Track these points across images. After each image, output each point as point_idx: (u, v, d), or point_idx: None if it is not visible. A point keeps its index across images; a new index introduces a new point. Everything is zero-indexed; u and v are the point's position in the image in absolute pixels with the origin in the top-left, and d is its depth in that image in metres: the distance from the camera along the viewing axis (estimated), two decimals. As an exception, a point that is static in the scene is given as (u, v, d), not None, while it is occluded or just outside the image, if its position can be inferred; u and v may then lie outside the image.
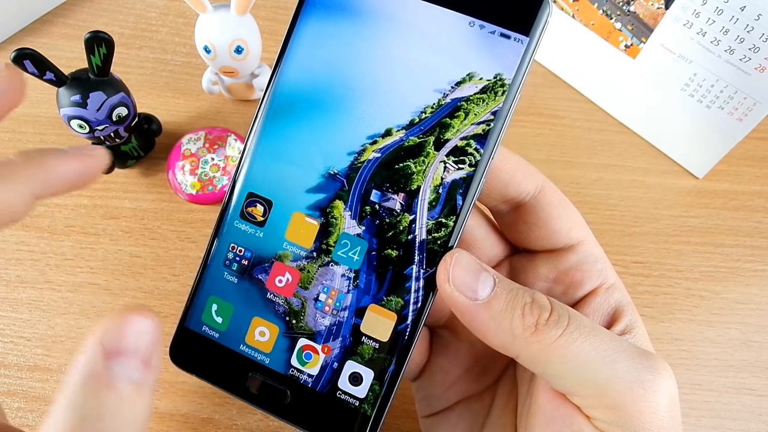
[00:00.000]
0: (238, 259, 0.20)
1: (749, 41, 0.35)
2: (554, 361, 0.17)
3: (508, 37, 0.18)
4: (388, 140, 0.19)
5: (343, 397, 0.19)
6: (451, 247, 0.19)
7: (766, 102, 0.36)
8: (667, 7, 0.38)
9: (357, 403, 0.19)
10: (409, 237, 0.19)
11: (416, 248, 0.19)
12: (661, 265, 0.37)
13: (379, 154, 0.19)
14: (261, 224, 0.20)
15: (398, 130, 0.19)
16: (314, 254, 0.20)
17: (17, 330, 0.32)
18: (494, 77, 0.19)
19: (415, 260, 0.19)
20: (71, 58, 0.43)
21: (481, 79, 0.19)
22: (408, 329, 0.19)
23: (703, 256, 0.38)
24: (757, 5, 0.34)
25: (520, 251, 0.24)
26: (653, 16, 0.39)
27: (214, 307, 0.20)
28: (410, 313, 0.19)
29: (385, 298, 0.19)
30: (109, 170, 0.37)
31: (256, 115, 0.20)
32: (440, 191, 0.19)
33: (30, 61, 0.30)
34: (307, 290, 0.20)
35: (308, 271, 0.20)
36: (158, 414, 0.30)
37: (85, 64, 0.32)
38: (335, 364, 0.19)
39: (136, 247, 0.36)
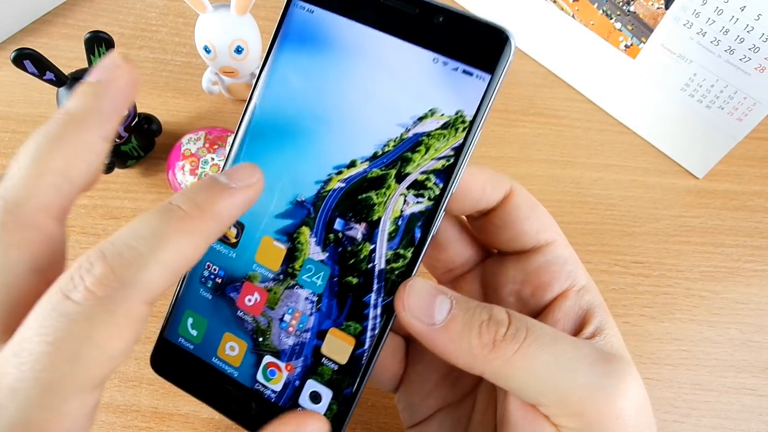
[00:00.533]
0: (212, 277, 0.21)
1: (749, 41, 0.35)
2: (516, 375, 0.17)
3: (471, 74, 0.19)
4: (353, 171, 0.20)
5: None
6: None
7: (766, 102, 0.36)
8: (667, 7, 0.38)
9: None
10: (369, 266, 0.20)
11: (375, 277, 0.20)
12: (661, 265, 0.37)
13: (343, 184, 0.20)
14: (234, 246, 0.21)
15: (362, 162, 0.20)
16: (281, 277, 0.21)
17: (17, 330, 0.32)
18: (455, 113, 0.19)
19: (374, 288, 0.20)
20: (71, 58, 0.43)
21: (442, 115, 0.19)
22: (365, 354, 0.20)
23: (703, 256, 0.38)
24: (757, 5, 0.34)
25: (494, 253, 0.24)
26: (653, 16, 0.39)
27: (190, 320, 0.22)
28: (368, 339, 0.20)
29: (344, 323, 0.20)
30: (109, 170, 0.37)
31: (233, 139, 0.21)
32: (399, 223, 0.20)
33: (30, 61, 0.30)
34: (273, 310, 0.21)
35: (275, 293, 0.21)
36: (158, 414, 0.30)
37: (85, 64, 0.32)
38: (297, 382, 0.20)
39: (136, 247, 0.36)
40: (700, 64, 0.38)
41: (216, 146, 0.38)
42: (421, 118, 0.19)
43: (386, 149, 0.20)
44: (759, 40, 0.35)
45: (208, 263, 0.21)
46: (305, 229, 0.20)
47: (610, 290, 0.36)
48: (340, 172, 0.20)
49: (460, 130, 0.19)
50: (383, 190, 0.20)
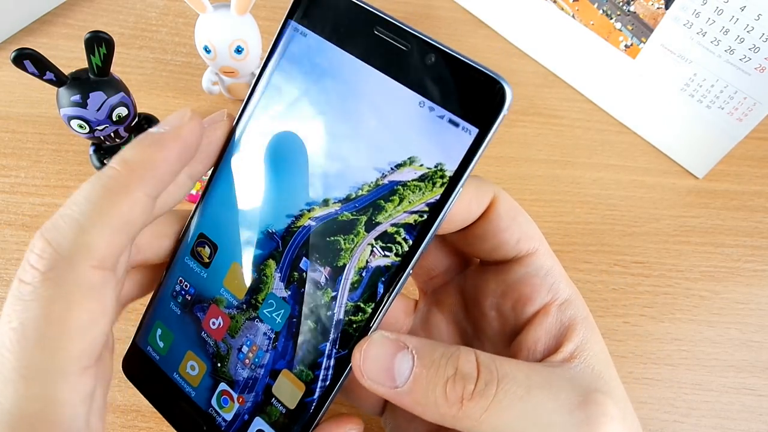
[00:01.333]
0: (183, 293, 0.21)
1: (749, 41, 0.35)
2: (491, 430, 0.16)
3: (457, 125, 0.16)
4: (325, 210, 0.19)
5: None
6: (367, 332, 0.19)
7: (766, 102, 0.36)
8: (667, 7, 0.38)
9: None
10: (328, 313, 0.19)
11: (333, 326, 0.19)
12: (661, 265, 0.37)
13: (314, 223, 0.19)
14: (206, 266, 0.21)
15: (335, 203, 0.18)
16: (244, 306, 0.20)
17: (17, 330, 0.32)
18: (435, 166, 0.17)
19: (330, 338, 0.19)
20: (71, 58, 0.43)
21: (421, 165, 0.17)
22: (314, 403, 0.19)
23: (703, 256, 0.38)
24: (757, 5, 0.34)
25: (475, 262, 0.23)
26: (653, 16, 0.39)
27: (159, 331, 0.22)
28: (318, 389, 0.19)
29: (297, 367, 0.19)
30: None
31: (219, 157, 0.21)
32: (363, 275, 0.18)
33: (30, 61, 0.30)
34: (233, 339, 0.20)
35: (237, 321, 0.20)
36: (159, 414, 0.30)
37: (85, 64, 0.32)
38: (246, 416, 0.20)
39: (136, 247, 0.36)
40: (700, 64, 0.38)
41: (216, 146, 0.38)
42: (399, 165, 0.17)
43: (360, 193, 0.18)
44: (759, 40, 0.35)
45: (180, 278, 0.21)
46: (272, 263, 0.20)
47: (610, 290, 0.36)
48: (312, 209, 0.19)
49: (438, 185, 0.17)
50: (351, 236, 0.18)
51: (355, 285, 0.18)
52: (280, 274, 0.20)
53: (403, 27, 0.17)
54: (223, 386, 0.21)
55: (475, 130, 0.16)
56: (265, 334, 0.20)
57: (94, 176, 0.16)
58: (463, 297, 0.23)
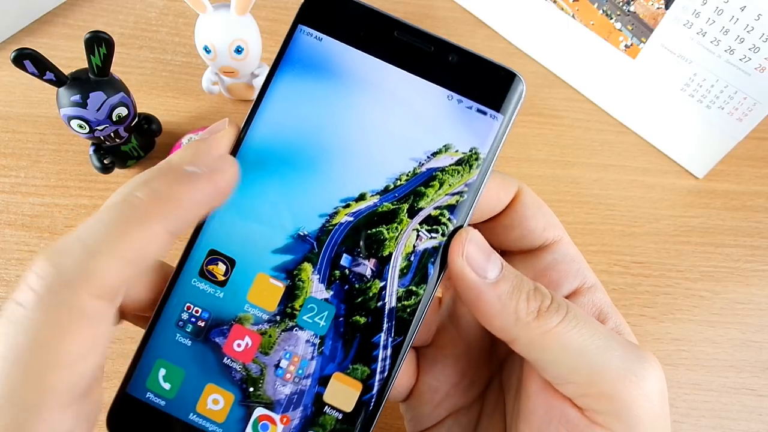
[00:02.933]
0: (193, 320, 0.19)
1: (749, 41, 0.35)
2: (552, 347, 0.18)
3: (485, 113, 0.19)
4: (362, 204, 0.19)
5: None
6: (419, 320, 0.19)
7: (766, 102, 0.36)
8: (667, 7, 0.38)
9: None
10: (379, 304, 0.19)
11: (385, 316, 0.19)
12: (661, 265, 0.37)
13: (351, 218, 0.19)
14: (222, 284, 0.19)
15: (372, 195, 0.19)
16: (277, 318, 0.19)
17: (17, 330, 0.32)
18: (470, 150, 0.19)
19: (384, 328, 0.19)
20: (71, 58, 0.43)
21: (456, 151, 0.19)
22: (373, 399, 0.19)
23: (703, 256, 0.38)
24: (757, 5, 0.34)
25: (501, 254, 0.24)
26: (653, 16, 0.39)
27: (162, 371, 0.19)
28: (376, 383, 0.18)
29: (350, 367, 0.19)
30: (109, 170, 0.37)
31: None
32: (412, 259, 0.19)
33: (30, 61, 0.30)
34: (267, 356, 0.19)
35: (270, 336, 0.19)
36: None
37: (85, 64, 0.32)
38: None
39: (136, 247, 0.36)
40: (700, 64, 0.38)
41: (216, 146, 0.38)
42: (435, 153, 0.19)
43: (398, 183, 0.19)
44: (759, 40, 0.35)
45: (188, 304, 0.19)
46: (307, 266, 0.19)
47: (610, 290, 0.36)
48: (347, 205, 0.19)
49: (474, 167, 0.19)
50: (395, 225, 0.19)
51: (405, 271, 0.19)
52: (318, 276, 0.19)
53: (424, 31, 0.19)
54: (260, 411, 0.18)
55: (500, 116, 0.19)
56: (307, 341, 0.19)
57: (116, 202, 0.15)
58: None
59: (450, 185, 0.19)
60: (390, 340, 0.19)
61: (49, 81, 0.31)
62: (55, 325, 0.14)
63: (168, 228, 0.16)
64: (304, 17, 0.20)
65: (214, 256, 0.19)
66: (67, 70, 0.32)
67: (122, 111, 0.34)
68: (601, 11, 0.41)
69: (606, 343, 0.18)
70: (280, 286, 0.19)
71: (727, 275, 0.37)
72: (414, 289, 0.19)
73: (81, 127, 0.33)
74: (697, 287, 0.36)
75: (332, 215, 0.19)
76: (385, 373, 0.19)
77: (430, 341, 0.24)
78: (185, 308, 0.19)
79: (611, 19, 0.41)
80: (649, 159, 0.42)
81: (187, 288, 0.19)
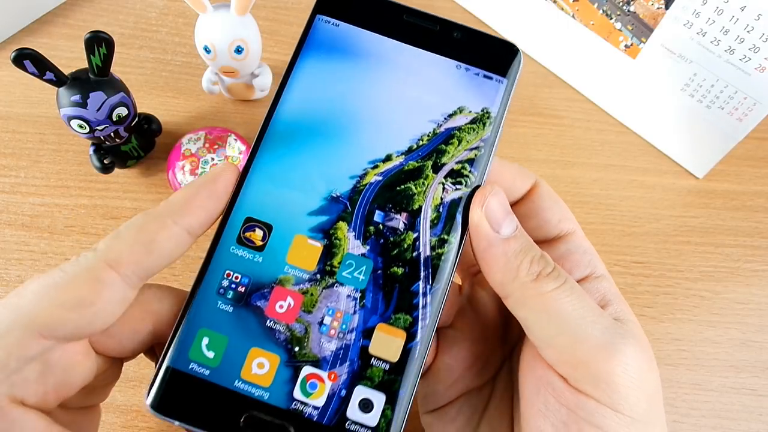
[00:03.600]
0: (233, 286, 0.19)
1: (749, 41, 0.35)
2: (541, 309, 0.19)
3: (490, 78, 0.21)
4: (389, 164, 0.20)
5: (353, 428, 0.18)
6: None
7: (766, 102, 0.36)
8: (667, 7, 0.38)
9: None
10: (414, 254, 0.20)
11: (422, 264, 0.20)
12: (661, 265, 0.37)
13: (380, 178, 0.20)
14: (260, 249, 0.20)
15: (398, 156, 0.21)
16: (318, 276, 0.19)
17: (17, 330, 0.32)
18: (481, 110, 0.21)
19: (422, 276, 0.19)
20: (71, 58, 0.43)
21: (470, 111, 0.21)
22: (418, 347, 0.19)
23: (703, 256, 0.38)
24: (757, 5, 0.34)
25: None
26: (653, 16, 0.39)
27: (205, 340, 0.19)
28: (419, 330, 0.19)
29: (393, 317, 0.19)
30: (109, 170, 0.37)
31: (254, 142, 0.20)
32: (441, 210, 0.20)
33: (30, 61, 0.30)
34: (310, 314, 0.19)
35: (311, 294, 0.19)
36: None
37: (85, 64, 0.32)
38: (343, 392, 0.18)
39: (136, 247, 0.36)
40: (700, 64, 0.38)
41: (216, 146, 0.38)
42: (450, 115, 0.21)
43: (420, 143, 0.21)
44: (759, 40, 0.35)
45: (228, 271, 0.19)
46: (342, 225, 0.20)
47: (610, 290, 0.36)
48: (375, 167, 0.20)
49: (487, 124, 0.21)
50: (421, 180, 0.20)
51: (435, 221, 0.20)
52: (354, 233, 0.20)
53: (429, 14, 0.22)
54: (307, 370, 0.18)
55: (504, 80, 0.22)
56: (349, 296, 0.19)
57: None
58: None
59: (468, 141, 0.21)
60: (428, 287, 0.19)
61: (49, 81, 0.31)
62: (70, 275, 0.17)
63: (176, 220, 0.19)
64: (321, 7, 0.22)
65: (251, 223, 0.20)
66: (67, 70, 0.32)
67: (122, 111, 0.34)
68: (601, 11, 0.41)
69: (593, 317, 0.19)
70: (318, 245, 0.20)
71: (727, 275, 0.37)
72: (446, 237, 0.20)
73: (81, 127, 0.33)
74: (697, 287, 0.36)
75: (362, 176, 0.20)
76: (427, 320, 0.19)
77: (450, 323, 0.25)
78: (225, 275, 0.19)
79: (611, 19, 0.41)
80: (649, 159, 0.42)
81: (225, 255, 0.20)
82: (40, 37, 0.45)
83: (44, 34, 0.45)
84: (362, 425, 0.18)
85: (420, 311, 0.19)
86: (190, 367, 0.18)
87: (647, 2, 0.39)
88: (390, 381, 0.18)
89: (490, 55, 0.22)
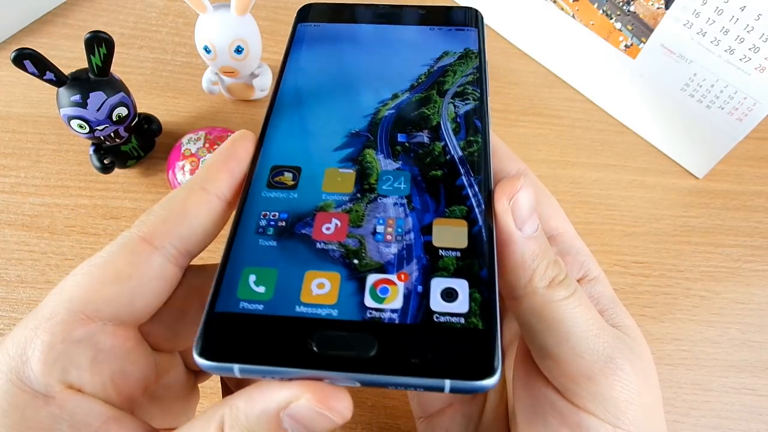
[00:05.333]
0: (273, 223, 0.19)
1: (749, 41, 0.35)
2: (548, 318, 0.18)
3: (462, 29, 0.25)
4: (397, 100, 0.22)
5: (443, 319, 0.16)
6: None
7: (766, 102, 0.36)
8: (667, 7, 0.38)
9: (463, 320, 0.16)
10: (447, 157, 0.20)
11: (458, 163, 0.20)
12: (661, 265, 0.37)
13: (393, 110, 0.22)
14: (293, 187, 0.20)
15: (403, 93, 0.23)
16: (358, 195, 0.19)
17: (17, 330, 0.32)
18: (464, 50, 0.24)
19: (462, 171, 0.20)
20: (71, 58, 0.43)
21: (454, 53, 0.24)
22: (483, 229, 0.18)
23: (703, 256, 0.38)
24: (757, 5, 0.34)
25: None
26: (653, 16, 0.39)
27: (252, 277, 0.17)
28: (478, 215, 0.18)
29: (447, 210, 0.19)
30: (109, 170, 0.37)
31: (266, 110, 0.22)
32: (458, 120, 0.21)
33: (30, 61, 0.30)
34: (360, 227, 0.18)
35: (356, 211, 0.19)
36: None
37: (85, 64, 0.32)
38: (419, 288, 0.17)
39: (136, 247, 0.36)
40: (700, 64, 0.38)
41: (216, 146, 0.38)
42: (439, 58, 0.24)
43: (420, 81, 0.23)
44: (759, 40, 0.35)
45: (263, 212, 0.19)
46: (369, 151, 0.21)
47: (610, 290, 0.36)
48: (385, 104, 0.22)
49: (473, 58, 0.24)
50: (431, 105, 0.22)
51: (457, 129, 0.21)
52: (383, 155, 0.21)
53: (393, 6, 0.26)
54: (373, 277, 0.17)
55: (474, 29, 0.25)
56: (395, 204, 0.19)
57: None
58: None
59: (462, 71, 0.23)
60: (472, 178, 0.20)
61: (49, 81, 0.31)
62: (107, 251, 0.18)
63: (203, 186, 0.19)
64: (300, 19, 0.26)
65: (278, 170, 0.20)
66: (67, 70, 0.32)
67: (122, 111, 0.34)
68: (601, 11, 0.41)
69: (596, 330, 0.18)
70: (350, 171, 0.20)
71: (727, 275, 0.37)
72: (471, 139, 0.21)
73: (81, 127, 0.33)
74: (697, 287, 0.36)
75: (375, 113, 0.22)
76: (482, 206, 0.19)
77: None
78: (261, 216, 0.19)
79: (611, 19, 0.41)
80: (649, 159, 0.42)
81: (258, 200, 0.19)
82: (40, 37, 0.45)
83: (44, 34, 0.45)
84: (452, 314, 0.16)
85: (472, 200, 0.19)
86: (241, 306, 0.17)
87: (647, 2, 0.39)
88: (467, 266, 0.17)
89: (455, 16, 0.26)
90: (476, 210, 0.19)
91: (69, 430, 0.15)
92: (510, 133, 0.43)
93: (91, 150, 0.37)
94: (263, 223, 0.19)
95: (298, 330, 0.16)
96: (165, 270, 0.18)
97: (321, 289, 0.17)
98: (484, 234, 0.18)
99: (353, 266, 0.17)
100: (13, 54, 0.29)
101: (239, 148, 0.20)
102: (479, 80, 0.23)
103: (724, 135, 0.39)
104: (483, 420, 0.23)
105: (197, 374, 0.22)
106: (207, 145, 0.38)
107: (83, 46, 0.31)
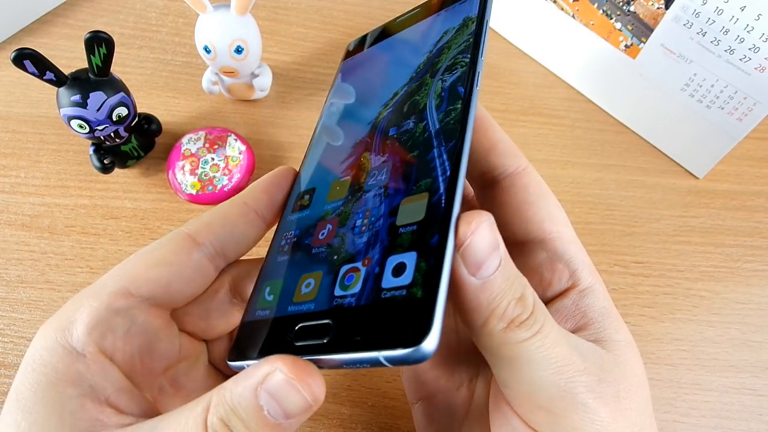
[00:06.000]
0: (288, 240, 0.22)
1: (749, 41, 0.35)
2: (506, 356, 0.17)
3: (464, 2, 0.23)
4: (396, 97, 0.23)
5: (388, 294, 0.16)
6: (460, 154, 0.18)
7: (766, 102, 0.36)
8: (667, 7, 0.38)
9: (405, 292, 0.16)
10: (425, 135, 0.20)
11: (434, 138, 0.19)
12: (661, 265, 0.37)
13: (390, 108, 0.22)
14: (307, 207, 0.22)
15: (402, 87, 0.23)
16: (349, 197, 0.21)
17: (17, 330, 0.32)
18: (462, 20, 0.22)
19: (435, 144, 0.19)
20: (71, 58, 0.43)
21: (454, 27, 0.22)
22: (443, 198, 0.17)
23: (703, 256, 0.38)
24: (757, 5, 0.34)
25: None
26: (653, 16, 0.39)
27: (267, 290, 0.20)
28: (441, 183, 0.17)
29: (414, 187, 0.18)
30: (109, 170, 0.37)
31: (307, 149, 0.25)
32: (443, 95, 0.20)
33: (30, 61, 0.30)
34: (345, 226, 0.19)
35: (345, 212, 0.20)
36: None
37: (85, 64, 0.32)
38: (376, 269, 0.17)
39: (136, 247, 0.36)
40: (700, 64, 0.38)
41: (216, 146, 0.38)
42: (439, 40, 0.23)
43: (419, 70, 0.23)
44: (759, 40, 0.35)
45: (285, 233, 0.22)
46: (365, 153, 0.22)
47: (610, 290, 0.36)
48: (386, 105, 0.23)
49: (470, 24, 0.21)
50: (423, 89, 0.21)
51: (439, 104, 0.20)
52: (374, 153, 0.21)
53: (409, 11, 0.26)
54: (344, 268, 0.18)
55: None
56: (374, 195, 0.19)
57: None
58: None
59: (457, 42, 0.22)
60: (443, 147, 0.18)
61: (49, 81, 0.31)
62: (157, 242, 0.20)
63: (245, 201, 0.22)
64: (343, 58, 0.28)
65: (302, 194, 0.23)
66: (67, 70, 0.32)
67: (122, 111, 0.34)
68: (601, 11, 0.41)
69: (561, 366, 0.17)
70: (347, 179, 0.22)
71: (727, 275, 0.37)
72: (450, 108, 0.20)
73: (81, 127, 0.33)
74: (697, 287, 0.36)
75: (377, 116, 0.23)
76: (448, 173, 0.17)
77: None
78: (284, 237, 0.22)
79: (611, 19, 0.41)
80: (649, 159, 0.42)
81: (284, 224, 0.23)
82: (40, 37, 0.45)
83: (44, 34, 0.45)
84: (397, 288, 0.16)
85: (438, 168, 0.18)
86: (256, 314, 0.20)
87: (647, 2, 0.39)
88: (419, 237, 0.17)
89: None
90: (439, 178, 0.18)
91: (89, 389, 0.17)
92: (510, 133, 0.43)
93: (91, 150, 0.37)
94: (283, 242, 0.22)
95: (285, 326, 0.18)
96: (201, 264, 0.21)
97: (307, 288, 0.19)
98: (442, 201, 0.17)
99: (332, 262, 0.19)
100: (13, 54, 0.29)
101: (281, 178, 0.23)
102: (472, 45, 0.21)
103: (724, 135, 0.39)
104: (469, 415, 0.22)
105: (220, 373, 0.23)
106: (207, 145, 0.38)
107: (83, 46, 0.31)
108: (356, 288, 0.17)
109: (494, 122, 0.22)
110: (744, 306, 0.36)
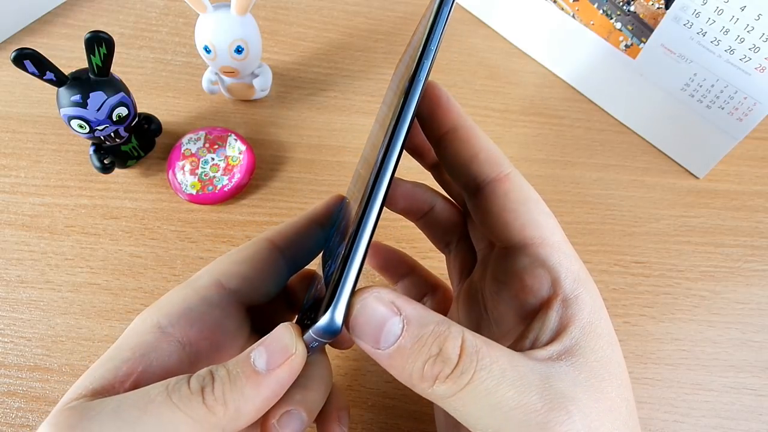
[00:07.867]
0: (327, 243, 0.24)
1: (749, 41, 0.35)
2: (441, 406, 0.17)
3: None
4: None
5: (325, 286, 0.18)
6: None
7: (766, 102, 0.36)
8: (667, 7, 0.38)
9: (330, 280, 0.17)
10: (381, 147, 0.18)
11: (367, 185, 0.18)
12: (662, 265, 0.37)
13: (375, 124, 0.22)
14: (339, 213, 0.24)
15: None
16: (341, 216, 0.22)
17: (17, 330, 0.32)
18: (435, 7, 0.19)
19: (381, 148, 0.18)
20: (71, 58, 0.43)
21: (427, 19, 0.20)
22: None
23: (703, 256, 0.38)
24: (757, 5, 0.34)
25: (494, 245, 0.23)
26: (653, 16, 0.39)
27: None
28: (371, 180, 0.17)
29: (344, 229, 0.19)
30: (109, 170, 0.37)
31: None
32: (395, 111, 0.18)
33: (30, 61, 0.30)
34: (331, 242, 0.22)
35: (340, 223, 0.22)
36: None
37: (85, 64, 0.32)
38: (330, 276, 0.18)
39: (136, 247, 0.36)
40: (700, 64, 0.38)
41: (216, 146, 0.38)
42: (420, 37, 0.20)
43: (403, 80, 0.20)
44: (759, 40, 0.35)
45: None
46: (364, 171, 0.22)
47: (610, 290, 0.36)
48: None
49: (432, 14, 0.19)
50: (396, 97, 0.19)
51: (395, 113, 0.18)
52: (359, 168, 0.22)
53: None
54: (327, 272, 0.20)
55: None
56: (352, 211, 0.20)
57: None
58: (486, 278, 0.23)
59: (418, 38, 0.19)
60: (381, 149, 0.18)
61: (49, 81, 0.31)
62: (245, 246, 0.23)
63: (312, 219, 0.24)
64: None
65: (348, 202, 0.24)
66: (67, 70, 0.32)
67: (122, 111, 0.34)
68: (601, 11, 0.41)
69: (504, 412, 0.16)
70: (347, 198, 0.23)
71: (727, 275, 0.37)
72: (392, 112, 0.18)
73: (81, 127, 0.33)
74: (698, 287, 0.36)
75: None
76: (377, 167, 0.17)
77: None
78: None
79: (611, 19, 0.41)
80: (649, 159, 0.42)
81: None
82: (40, 37, 0.45)
83: (44, 34, 0.45)
84: (329, 278, 0.17)
85: (376, 167, 0.17)
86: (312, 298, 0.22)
87: (647, 2, 0.39)
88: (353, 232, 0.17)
89: None
90: (372, 175, 0.17)
91: (165, 357, 0.19)
92: (510, 133, 0.43)
93: (91, 150, 0.37)
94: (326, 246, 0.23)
95: (305, 313, 0.21)
96: (279, 266, 0.23)
97: (317, 284, 0.21)
98: (367, 192, 0.17)
99: (322, 266, 0.22)
100: (13, 54, 0.29)
101: (332, 204, 0.25)
102: (423, 36, 0.19)
103: (724, 135, 0.39)
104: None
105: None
106: (207, 145, 0.38)
107: (83, 46, 0.31)
108: (323, 291, 0.19)
109: (478, 131, 0.21)
110: (744, 306, 0.36)
